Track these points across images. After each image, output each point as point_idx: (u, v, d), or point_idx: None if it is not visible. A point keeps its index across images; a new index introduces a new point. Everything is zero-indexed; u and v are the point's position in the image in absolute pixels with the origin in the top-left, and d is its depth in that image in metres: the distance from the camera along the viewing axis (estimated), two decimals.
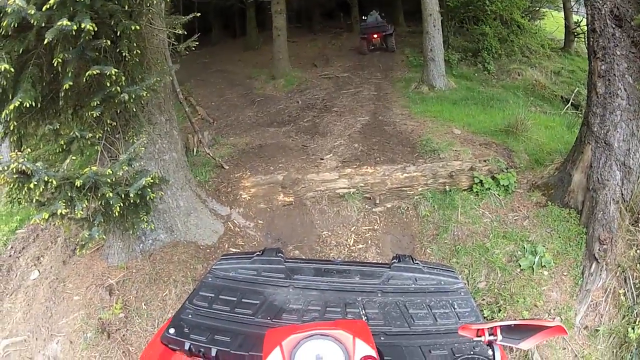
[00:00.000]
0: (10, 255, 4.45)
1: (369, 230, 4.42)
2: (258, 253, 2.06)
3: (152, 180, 3.23)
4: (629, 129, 3.80)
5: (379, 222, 4.49)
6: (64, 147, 3.18)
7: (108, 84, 2.77)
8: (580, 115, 6.34)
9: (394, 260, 2.03)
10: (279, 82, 8.27)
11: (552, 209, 4.29)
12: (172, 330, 1.70)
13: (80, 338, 3.50)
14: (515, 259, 3.93)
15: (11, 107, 2.68)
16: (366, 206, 4.60)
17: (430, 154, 4.99)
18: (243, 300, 1.84)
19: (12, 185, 2.85)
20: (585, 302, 3.60)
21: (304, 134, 5.77)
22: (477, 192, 4.65)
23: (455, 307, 1.80)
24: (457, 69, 8.94)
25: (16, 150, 3.02)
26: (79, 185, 2.91)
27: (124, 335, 3.50)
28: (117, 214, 3.12)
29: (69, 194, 2.96)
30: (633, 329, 3.33)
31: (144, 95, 3.04)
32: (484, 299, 3.73)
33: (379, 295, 1.87)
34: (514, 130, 5.71)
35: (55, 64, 2.65)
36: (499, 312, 3.60)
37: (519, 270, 3.84)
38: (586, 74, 4.56)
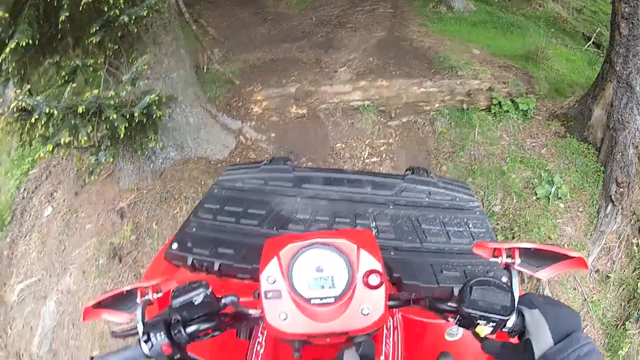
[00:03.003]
0: (23, 198, 4.34)
1: (384, 144, 4.26)
2: (265, 162, 1.94)
3: (157, 98, 3.09)
4: None
5: (394, 136, 4.32)
6: (66, 79, 3.02)
7: (106, 9, 2.66)
8: (601, 54, 6.11)
9: (408, 172, 1.90)
10: (292, 0, 7.80)
11: (570, 141, 4.17)
12: (175, 246, 1.63)
13: (93, 266, 3.48)
14: (532, 186, 3.82)
15: (7, 50, 2.55)
16: (381, 119, 4.40)
17: (447, 71, 4.74)
18: (249, 210, 1.73)
19: (14, 124, 2.79)
20: (598, 244, 3.54)
21: (318, 48, 5.47)
22: (495, 113, 4.46)
23: (470, 226, 1.69)
24: None
25: (15, 90, 2.88)
26: (81, 112, 2.82)
27: (135, 258, 3.45)
28: (122, 135, 2.99)
29: (73, 122, 2.88)
30: None
31: (145, 15, 2.84)
32: (498, 223, 3.65)
33: (391, 207, 1.76)
34: (534, 57, 5.45)
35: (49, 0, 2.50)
36: (513, 239, 3.50)
37: (534, 198, 3.75)
38: (608, 17, 4.42)
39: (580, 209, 3.70)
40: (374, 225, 1.69)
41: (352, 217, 1.71)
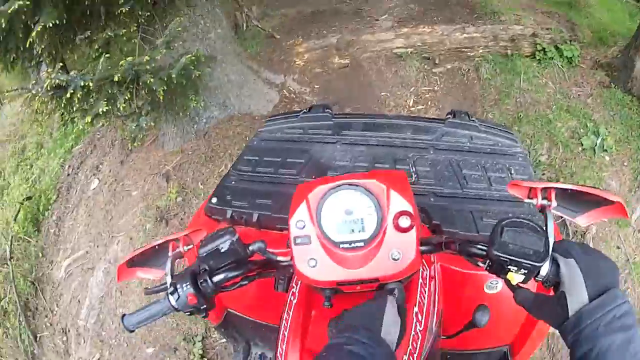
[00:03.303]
0: (68, 175, 4.31)
1: (429, 92, 4.18)
2: (305, 110, 1.89)
3: (194, 59, 3.03)
4: None
5: (439, 83, 4.23)
6: (100, 51, 2.95)
7: None
8: None
9: (449, 116, 1.83)
10: None
11: (615, 92, 4.03)
12: (214, 200, 1.62)
13: (140, 232, 3.44)
14: (578, 136, 3.73)
15: (34, 33, 2.49)
16: (425, 67, 4.31)
17: (490, 16, 4.59)
18: (288, 160, 1.71)
19: (50, 103, 2.76)
20: None
21: None
22: (539, 60, 4.34)
23: (512, 172, 1.62)
24: None
25: (47, 69, 2.86)
26: (118, 80, 2.75)
27: (181, 219, 3.42)
28: (162, 98, 2.96)
29: (110, 91, 2.83)
30: None
31: None
32: (544, 174, 3.59)
33: (431, 152, 1.70)
34: (576, 4, 5.29)
35: None
36: None
37: (580, 149, 3.66)
38: None
39: (625, 163, 3.62)
40: (413, 170, 1.65)
41: (392, 162, 1.68)
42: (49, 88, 2.64)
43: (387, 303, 0.86)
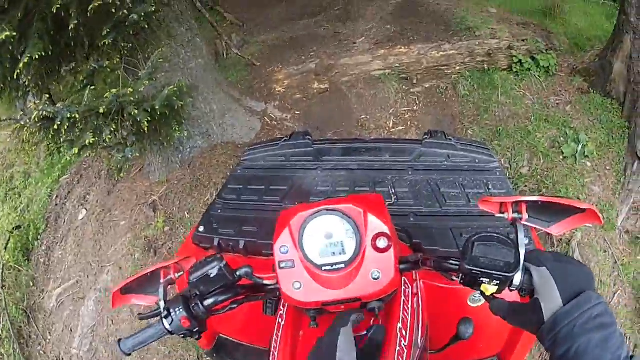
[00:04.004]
0: (56, 204, 4.34)
1: (408, 112, 4.22)
2: (285, 138, 1.96)
3: (176, 89, 3.07)
4: None
5: (417, 102, 4.27)
6: (85, 83, 2.99)
7: (114, 10, 2.59)
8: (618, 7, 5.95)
9: (426, 137, 1.90)
10: None
11: (594, 97, 4.07)
12: (201, 228, 1.66)
13: (129, 261, 3.49)
14: (558, 145, 3.76)
15: (21, 65, 2.54)
16: (404, 87, 4.35)
17: (465, 32, 4.63)
18: (271, 187, 1.77)
19: (37, 134, 2.80)
20: (627, 203, 3.45)
21: (335, 21, 5.37)
22: (516, 72, 4.39)
23: (490, 187, 1.67)
24: None
25: (34, 101, 2.91)
26: (103, 112, 2.80)
27: (170, 248, 3.45)
28: (147, 129, 2.99)
29: (96, 123, 2.87)
30: None
31: (154, 11, 2.78)
32: (526, 185, 3.62)
33: (410, 173, 1.76)
34: (552, 12, 5.36)
35: (55, 11, 2.47)
36: None
37: (561, 157, 3.69)
38: None
39: (608, 167, 3.64)
40: (393, 191, 1.69)
41: (372, 185, 1.72)
42: (37, 119, 2.68)
43: (338, 337, 0.86)
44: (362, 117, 4.22)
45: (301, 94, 4.40)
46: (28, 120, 2.70)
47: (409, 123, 4.13)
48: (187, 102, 3.39)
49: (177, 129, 3.37)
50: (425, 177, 1.72)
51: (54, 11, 2.49)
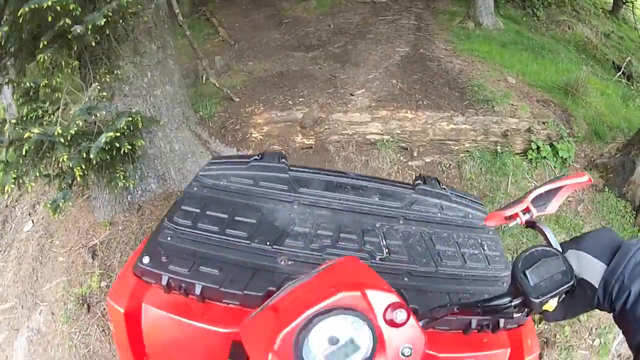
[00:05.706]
0: (6, 205, 4.02)
1: None
2: (256, 157, 1.69)
3: (129, 123, 2.62)
4: None
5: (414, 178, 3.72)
6: (20, 101, 2.70)
7: (50, 19, 2.21)
8: (632, 88, 6.13)
9: (418, 182, 1.72)
10: (311, 4, 7.40)
11: (608, 197, 3.83)
12: (146, 260, 1.38)
13: (62, 310, 3.16)
14: None
15: None
16: (401, 158, 3.81)
17: (482, 104, 4.15)
18: (236, 218, 1.50)
19: None
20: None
21: (334, 61, 4.92)
22: (531, 159, 3.94)
23: (485, 248, 1.57)
24: (504, 9, 8.00)
25: None
26: (25, 152, 2.42)
27: (104, 309, 3.05)
28: (79, 178, 2.55)
29: (20, 162, 2.55)
30: None
31: (105, 24, 2.33)
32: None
33: (401, 222, 1.60)
34: (572, 90, 4.92)
35: None
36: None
37: None
38: (635, 44, 4.19)
39: None
40: (384, 243, 1.54)
41: (359, 232, 1.54)
42: None
43: None
44: None
45: (280, 146, 3.80)
46: None
47: None
48: (137, 145, 2.83)
49: (121, 176, 2.88)
50: (418, 229, 1.60)
51: None
